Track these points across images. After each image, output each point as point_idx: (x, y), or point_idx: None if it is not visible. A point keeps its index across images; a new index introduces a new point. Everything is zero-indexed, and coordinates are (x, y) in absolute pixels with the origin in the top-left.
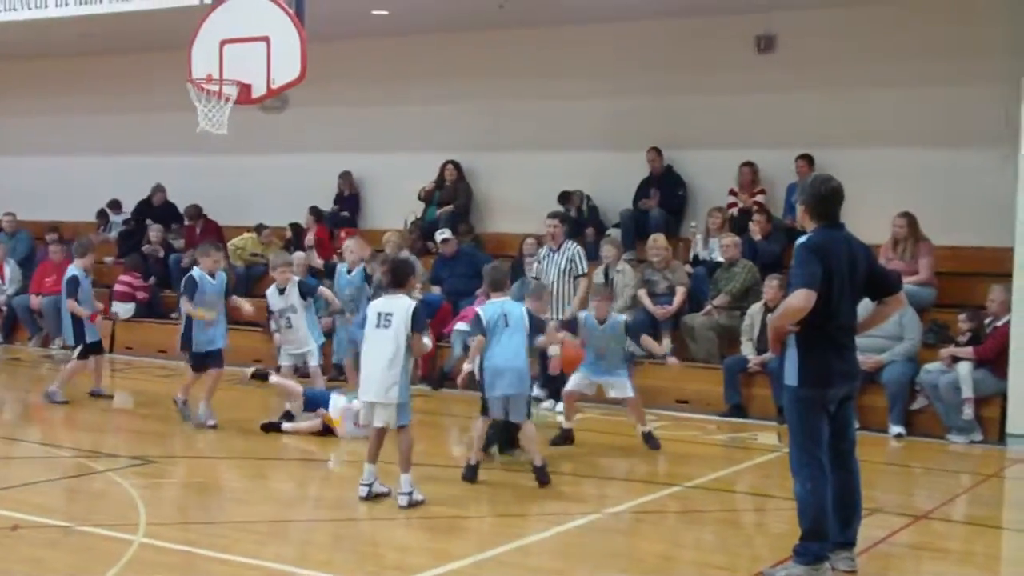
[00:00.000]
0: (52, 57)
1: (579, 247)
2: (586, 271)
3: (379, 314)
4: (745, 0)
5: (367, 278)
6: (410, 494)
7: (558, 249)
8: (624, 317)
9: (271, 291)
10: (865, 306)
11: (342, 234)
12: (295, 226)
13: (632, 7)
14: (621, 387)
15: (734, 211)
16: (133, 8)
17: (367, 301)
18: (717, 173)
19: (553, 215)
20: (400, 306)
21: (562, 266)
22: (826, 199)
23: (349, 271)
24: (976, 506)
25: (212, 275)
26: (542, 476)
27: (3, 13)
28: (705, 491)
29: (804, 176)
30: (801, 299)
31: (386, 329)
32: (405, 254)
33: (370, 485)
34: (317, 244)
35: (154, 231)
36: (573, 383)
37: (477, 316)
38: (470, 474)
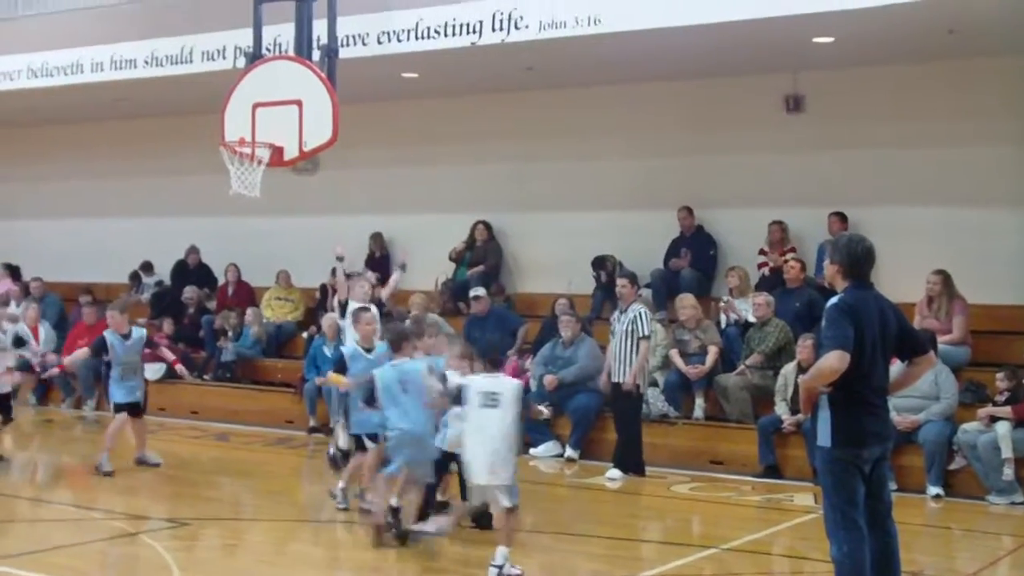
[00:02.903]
0: (86, 121)
1: (644, 309)
2: (646, 333)
3: (483, 393)
4: (773, 60)
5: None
6: (501, 567)
7: (626, 310)
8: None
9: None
10: (896, 366)
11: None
12: (324, 288)
13: (660, 68)
14: None
15: (765, 270)
16: (167, 73)
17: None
18: (747, 232)
19: (623, 275)
20: (507, 386)
21: (626, 327)
22: (860, 259)
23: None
24: (1019, 569)
25: (126, 336)
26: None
27: (39, 79)
28: (740, 553)
29: (836, 233)
30: (834, 360)
31: (494, 409)
32: (433, 317)
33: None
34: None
35: (188, 291)
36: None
37: None
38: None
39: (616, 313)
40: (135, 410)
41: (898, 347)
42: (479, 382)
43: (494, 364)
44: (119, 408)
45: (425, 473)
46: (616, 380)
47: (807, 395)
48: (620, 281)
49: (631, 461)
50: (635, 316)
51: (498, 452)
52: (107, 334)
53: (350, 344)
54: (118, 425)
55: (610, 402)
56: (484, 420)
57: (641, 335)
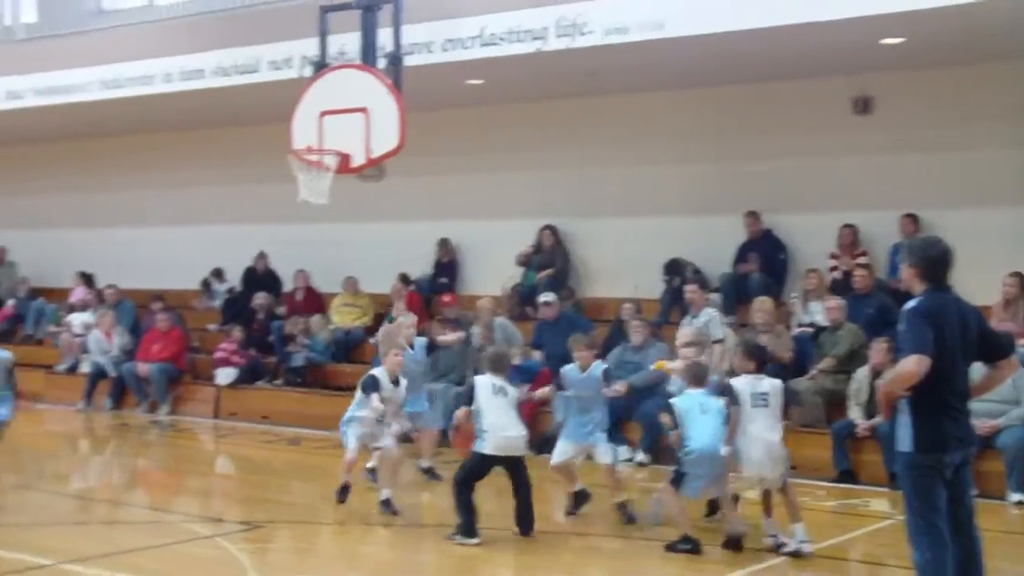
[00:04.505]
0: (156, 132)
1: (716, 313)
2: (721, 337)
3: (753, 394)
4: (840, 62)
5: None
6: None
7: (697, 315)
8: (605, 364)
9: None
10: (977, 370)
11: (445, 299)
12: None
13: (725, 72)
14: (603, 452)
15: (836, 274)
16: (235, 83)
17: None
18: (817, 236)
19: (692, 280)
20: (773, 385)
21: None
22: (937, 262)
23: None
24: None
25: None
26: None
27: (110, 91)
28: (817, 559)
29: (909, 235)
30: (914, 364)
31: (765, 408)
32: (501, 321)
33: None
34: (408, 310)
35: (259, 298)
36: (558, 456)
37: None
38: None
39: (687, 318)
40: None
41: (979, 350)
42: (744, 382)
43: (759, 363)
44: None
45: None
46: None
47: (886, 399)
48: (689, 287)
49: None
50: (707, 320)
51: (775, 446)
52: None
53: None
54: None
55: None
56: (757, 417)
57: (714, 339)
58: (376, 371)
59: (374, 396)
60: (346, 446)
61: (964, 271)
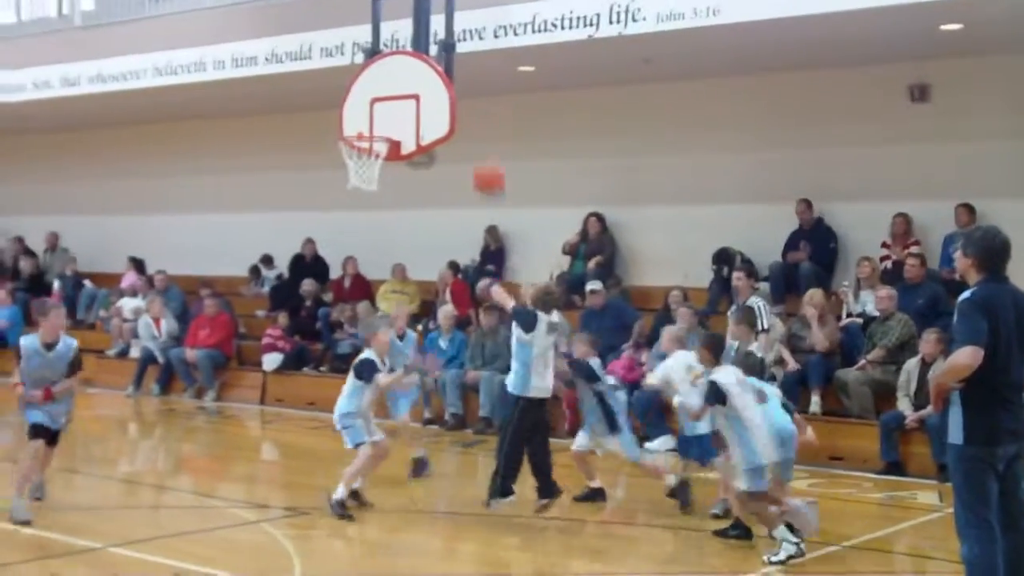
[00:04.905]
0: (208, 118)
1: (762, 302)
2: (766, 327)
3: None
4: (897, 49)
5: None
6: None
7: (743, 304)
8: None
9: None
10: None
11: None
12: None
13: (779, 58)
14: (622, 447)
15: (887, 263)
16: (287, 69)
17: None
18: (869, 225)
19: (739, 268)
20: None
21: None
22: (996, 253)
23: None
24: None
25: (48, 346)
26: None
27: (163, 77)
28: (862, 551)
29: (963, 225)
30: (968, 356)
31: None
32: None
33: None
34: (454, 298)
35: (307, 284)
36: (578, 444)
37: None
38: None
39: (733, 307)
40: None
41: None
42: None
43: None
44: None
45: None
46: None
47: (938, 391)
48: (736, 274)
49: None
50: (756, 308)
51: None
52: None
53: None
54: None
55: None
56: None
57: (760, 329)
58: (368, 354)
59: (379, 376)
60: (356, 441)
61: (1019, 261)
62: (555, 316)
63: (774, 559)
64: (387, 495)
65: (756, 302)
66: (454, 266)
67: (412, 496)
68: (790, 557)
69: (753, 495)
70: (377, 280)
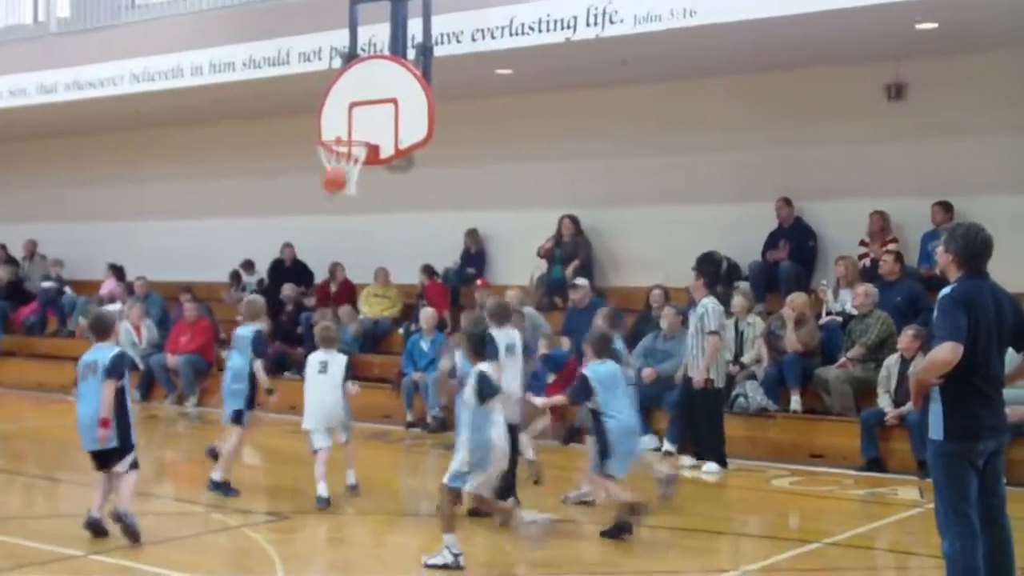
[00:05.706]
0: (187, 124)
1: (713, 303)
2: (713, 328)
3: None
4: (874, 48)
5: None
6: None
7: (697, 304)
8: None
9: None
10: (1011, 358)
11: (478, 283)
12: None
13: (756, 59)
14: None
15: (866, 261)
16: (264, 75)
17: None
18: (848, 223)
19: (694, 268)
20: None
21: (696, 323)
22: (977, 250)
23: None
24: None
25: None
26: None
27: (140, 84)
28: (844, 548)
29: (941, 223)
30: (947, 352)
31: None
32: (529, 311)
33: None
34: (429, 300)
35: (287, 289)
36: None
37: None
38: None
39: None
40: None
41: (1014, 338)
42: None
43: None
44: None
45: None
46: (690, 375)
47: (919, 387)
48: (693, 275)
49: (714, 454)
50: (704, 311)
51: None
52: None
53: None
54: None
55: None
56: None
57: (709, 330)
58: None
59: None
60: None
61: (995, 259)
62: (514, 331)
63: (430, 561)
64: (375, 498)
65: (706, 304)
66: (428, 269)
67: (399, 498)
68: (445, 566)
69: (452, 491)
70: (359, 284)
